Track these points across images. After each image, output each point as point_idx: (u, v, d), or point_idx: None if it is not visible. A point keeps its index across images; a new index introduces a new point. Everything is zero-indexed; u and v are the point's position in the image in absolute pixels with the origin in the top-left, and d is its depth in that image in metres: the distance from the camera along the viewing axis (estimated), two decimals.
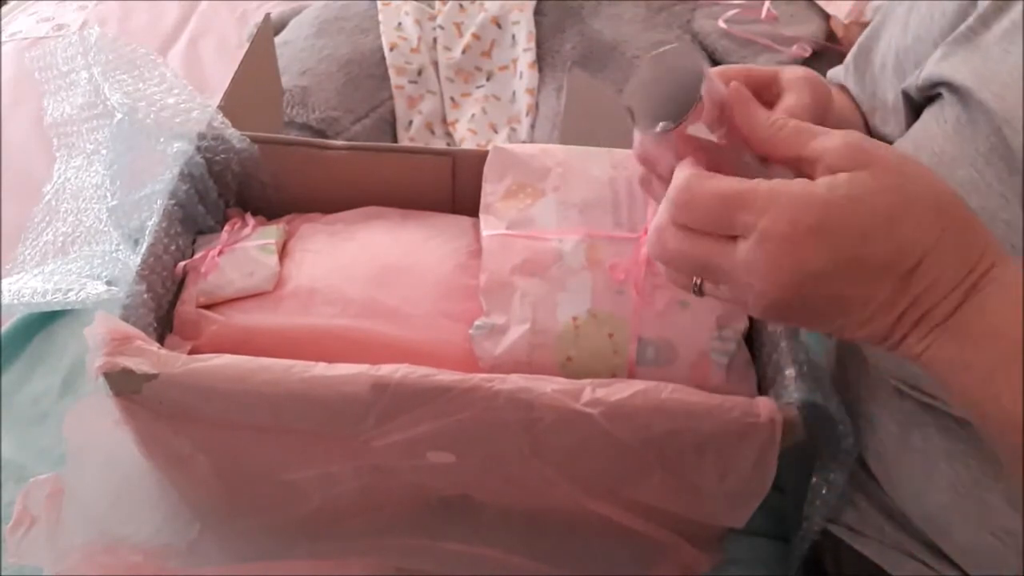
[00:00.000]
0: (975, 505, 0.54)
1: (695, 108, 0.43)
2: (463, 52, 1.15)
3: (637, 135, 0.47)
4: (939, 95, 0.56)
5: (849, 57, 0.71)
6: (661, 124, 0.44)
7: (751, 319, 0.61)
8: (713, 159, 0.44)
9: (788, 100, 0.49)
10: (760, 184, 0.41)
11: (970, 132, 0.52)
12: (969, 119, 0.52)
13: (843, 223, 0.40)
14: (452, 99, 1.12)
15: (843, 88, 0.71)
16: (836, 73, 0.73)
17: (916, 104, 0.61)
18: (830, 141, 0.41)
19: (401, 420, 0.53)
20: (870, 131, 0.67)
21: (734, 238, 0.41)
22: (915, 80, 0.58)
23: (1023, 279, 0.40)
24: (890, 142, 0.62)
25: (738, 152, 0.45)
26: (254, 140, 0.69)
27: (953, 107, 0.54)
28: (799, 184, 0.40)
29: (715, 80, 0.45)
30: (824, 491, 0.57)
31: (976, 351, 0.40)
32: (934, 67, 0.56)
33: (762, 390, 0.59)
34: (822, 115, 0.48)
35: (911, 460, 0.58)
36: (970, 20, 0.54)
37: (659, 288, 0.59)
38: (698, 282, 0.45)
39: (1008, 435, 0.40)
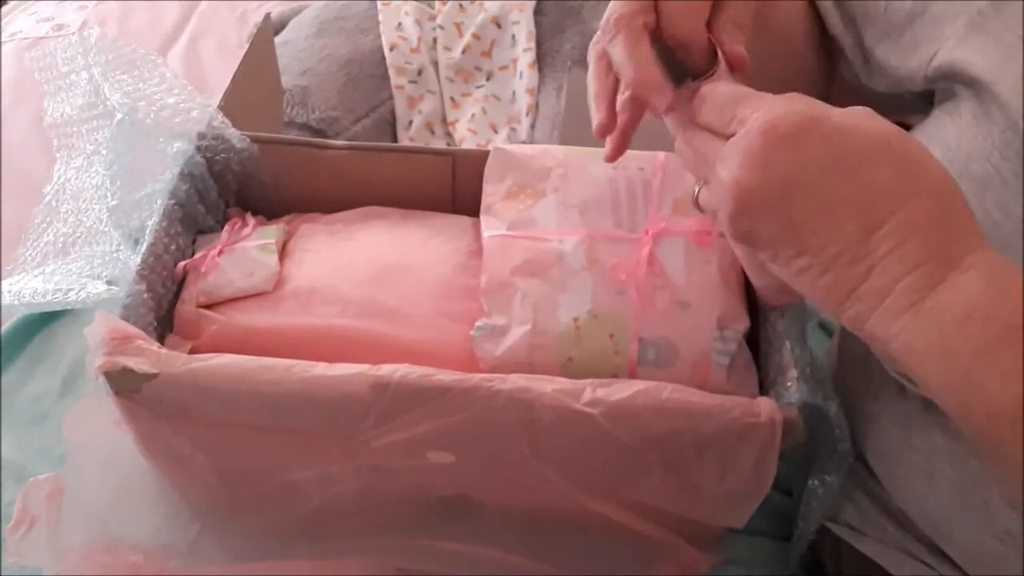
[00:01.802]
0: (977, 506, 0.54)
1: (715, 70, 0.49)
2: (463, 52, 1.15)
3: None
4: (951, 90, 0.55)
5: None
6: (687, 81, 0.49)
7: (752, 319, 0.61)
8: None
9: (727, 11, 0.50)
10: (769, 94, 0.43)
11: (986, 126, 0.51)
12: (984, 112, 0.51)
13: (821, 140, 0.40)
14: (452, 99, 1.12)
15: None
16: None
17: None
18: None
19: (401, 420, 0.53)
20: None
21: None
22: (924, 68, 0.56)
23: (1011, 267, 0.39)
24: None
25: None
26: (254, 140, 0.69)
27: (968, 101, 0.53)
28: (803, 98, 0.42)
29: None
30: (820, 492, 0.57)
31: (958, 336, 0.38)
32: (948, 55, 0.53)
33: (763, 390, 0.59)
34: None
35: (913, 461, 0.58)
36: (981, 3, 0.52)
37: (660, 288, 0.59)
38: (696, 190, 0.48)
39: (993, 426, 0.37)
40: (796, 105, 0.42)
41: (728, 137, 0.43)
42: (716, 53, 0.50)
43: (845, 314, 0.42)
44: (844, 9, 0.63)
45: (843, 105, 0.44)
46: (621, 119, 0.53)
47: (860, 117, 0.42)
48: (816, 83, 0.68)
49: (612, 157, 0.55)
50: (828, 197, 0.40)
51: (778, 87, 0.48)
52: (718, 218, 0.44)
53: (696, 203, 0.48)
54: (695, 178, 0.49)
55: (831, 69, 0.69)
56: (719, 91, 0.46)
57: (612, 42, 0.51)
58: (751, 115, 0.42)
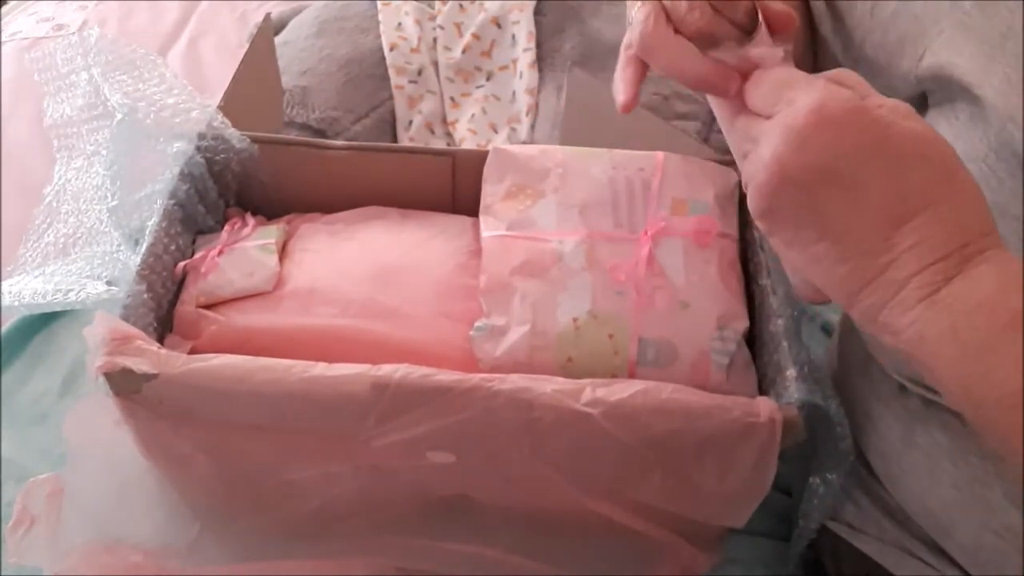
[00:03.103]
0: (977, 503, 0.54)
1: (757, 31, 0.49)
2: (463, 52, 1.15)
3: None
4: (946, 91, 0.55)
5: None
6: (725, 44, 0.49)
7: (751, 319, 0.61)
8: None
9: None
10: (821, 76, 0.43)
11: (981, 126, 0.51)
12: (980, 113, 0.51)
13: (864, 130, 0.40)
14: (452, 99, 1.12)
15: None
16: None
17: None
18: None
19: (401, 420, 0.53)
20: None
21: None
22: (914, 68, 0.56)
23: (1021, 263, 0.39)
24: None
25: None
26: (254, 140, 0.69)
27: (963, 102, 0.53)
28: (855, 79, 0.43)
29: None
30: (820, 491, 0.57)
31: (969, 325, 0.39)
32: (934, 57, 0.54)
33: (762, 390, 0.59)
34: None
35: (913, 457, 0.58)
36: (966, 2, 0.52)
37: (659, 289, 0.59)
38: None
39: (1001, 413, 0.38)
40: (844, 91, 0.42)
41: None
42: (757, 17, 0.50)
43: (858, 305, 0.42)
44: (834, 10, 0.63)
45: None
46: (627, 73, 0.53)
47: (902, 115, 0.42)
48: None
49: (627, 108, 0.54)
50: (860, 187, 0.40)
51: None
52: (748, 193, 0.44)
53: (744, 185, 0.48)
54: (737, 160, 0.48)
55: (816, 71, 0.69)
56: (772, 75, 0.46)
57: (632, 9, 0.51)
58: (800, 95, 0.42)
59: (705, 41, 0.50)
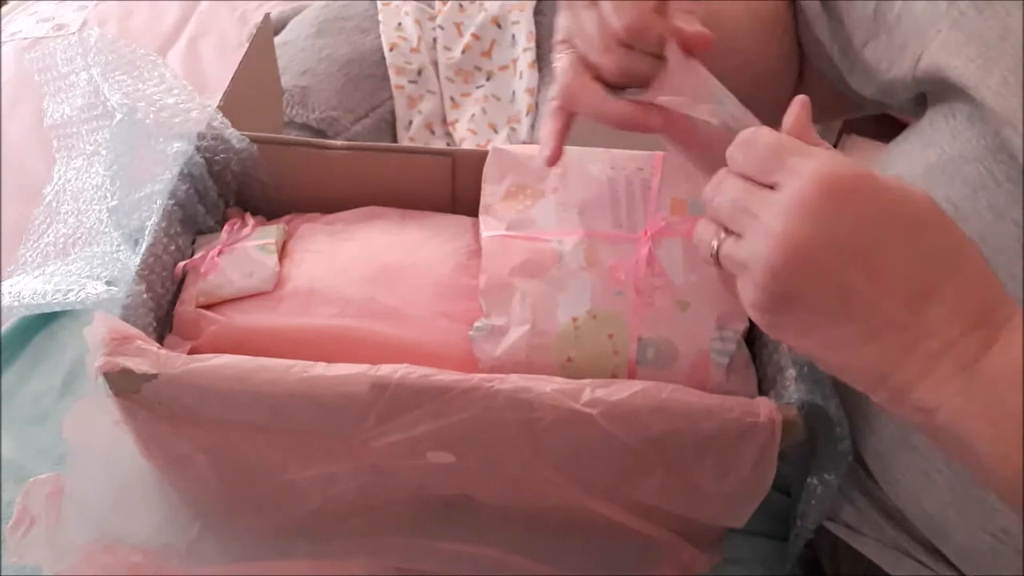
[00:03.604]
0: (974, 505, 0.54)
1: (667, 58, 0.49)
2: (463, 52, 1.15)
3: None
4: (944, 92, 0.54)
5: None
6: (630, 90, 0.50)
7: (750, 319, 0.61)
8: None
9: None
10: (819, 147, 0.41)
11: (979, 127, 0.51)
12: (978, 114, 0.51)
13: (875, 200, 0.38)
14: (452, 99, 1.12)
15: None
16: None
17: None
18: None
19: (401, 420, 0.53)
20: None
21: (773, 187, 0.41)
22: (912, 70, 0.55)
23: None
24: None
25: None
26: (254, 140, 0.69)
27: (961, 102, 0.52)
28: (847, 157, 0.41)
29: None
30: (819, 491, 0.57)
31: (1012, 395, 0.37)
32: (931, 58, 0.53)
33: (762, 390, 0.59)
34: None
35: (910, 459, 0.58)
36: (963, 3, 0.51)
37: (659, 289, 0.59)
38: (715, 244, 0.44)
39: None
40: (847, 160, 0.40)
41: (771, 187, 0.41)
42: (665, 46, 0.49)
43: (887, 386, 0.40)
44: (831, 11, 0.63)
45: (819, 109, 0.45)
46: (549, 126, 0.53)
47: (896, 180, 0.40)
48: (778, 90, 0.67)
49: (551, 162, 0.56)
50: (881, 260, 0.38)
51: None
52: (752, 276, 0.41)
53: (715, 259, 0.44)
54: (712, 231, 0.44)
55: (795, 75, 0.69)
56: (764, 138, 0.42)
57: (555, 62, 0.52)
58: (804, 164, 0.39)
59: (636, 82, 0.50)
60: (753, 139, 0.42)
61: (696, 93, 0.49)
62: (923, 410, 0.39)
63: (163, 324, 0.61)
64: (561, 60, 0.51)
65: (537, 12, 1.18)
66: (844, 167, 0.39)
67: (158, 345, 0.54)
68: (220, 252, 0.64)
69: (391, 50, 1.12)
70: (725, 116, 0.48)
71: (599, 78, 0.51)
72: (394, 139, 1.08)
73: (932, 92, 0.56)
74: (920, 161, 0.55)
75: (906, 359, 0.39)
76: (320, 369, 0.52)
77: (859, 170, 0.39)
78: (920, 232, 0.39)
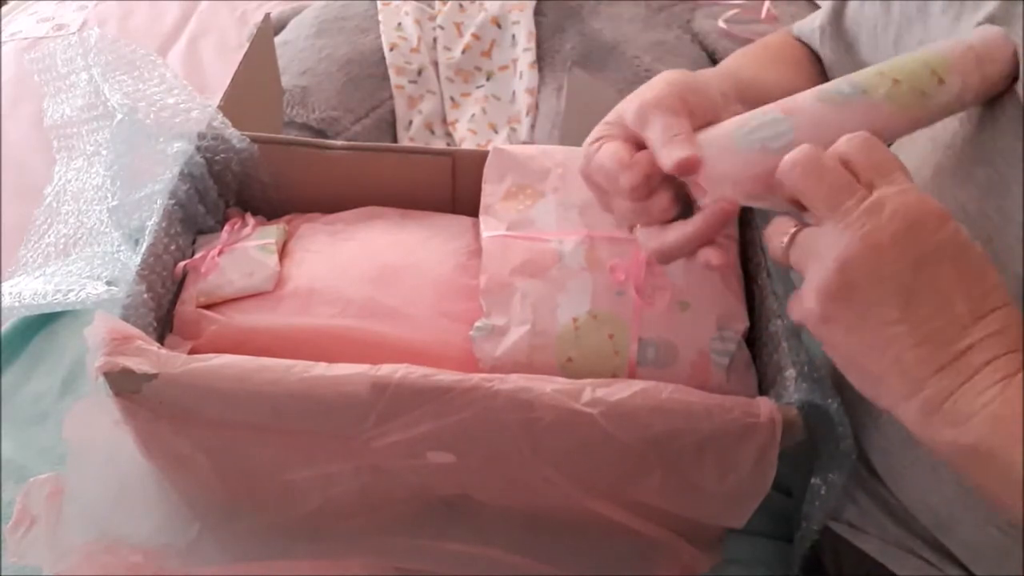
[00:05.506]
0: (980, 499, 0.54)
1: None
2: (463, 52, 1.15)
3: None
4: None
5: (823, 18, 0.68)
6: None
7: (751, 319, 0.61)
8: None
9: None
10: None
11: (991, 130, 0.51)
12: (992, 116, 0.51)
13: (942, 235, 0.41)
14: (452, 99, 1.12)
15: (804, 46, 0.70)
16: (803, 31, 0.71)
17: None
18: None
19: (401, 420, 0.53)
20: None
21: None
22: None
23: None
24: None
25: None
26: (254, 140, 0.69)
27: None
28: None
29: None
30: (823, 491, 0.57)
31: None
32: None
33: (762, 390, 0.59)
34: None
35: (916, 455, 0.58)
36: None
37: (659, 289, 0.59)
38: (791, 233, 0.45)
39: None
40: (924, 197, 0.42)
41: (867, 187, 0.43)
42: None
43: (923, 392, 0.41)
44: (841, 36, 0.65)
45: None
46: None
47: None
48: None
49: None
50: (949, 276, 0.41)
51: None
52: (824, 262, 0.42)
53: (786, 248, 0.45)
54: (788, 224, 0.46)
55: None
56: (830, 162, 0.44)
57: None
58: (880, 186, 0.42)
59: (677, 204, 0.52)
60: (824, 163, 0.43)
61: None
62: (952, 421, 0.40)
63: (163, 324, 0.61)
64: (606, 146, 0.53)
65: (537, 12, 1.18)
66: (920, 201, 0.42)
67: (158, 345, 0.54)
68: (220, 252, 0.64)
69: (391, 50, 1.12)
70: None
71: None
72: (394, 139, 1.08)
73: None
74: (930, 162, 0.56)
75: (950, 367, 0.41)
76: (320, 369, 0.52)
77: (928, 207, 0.42)
78: (981, 269, 0.42)
